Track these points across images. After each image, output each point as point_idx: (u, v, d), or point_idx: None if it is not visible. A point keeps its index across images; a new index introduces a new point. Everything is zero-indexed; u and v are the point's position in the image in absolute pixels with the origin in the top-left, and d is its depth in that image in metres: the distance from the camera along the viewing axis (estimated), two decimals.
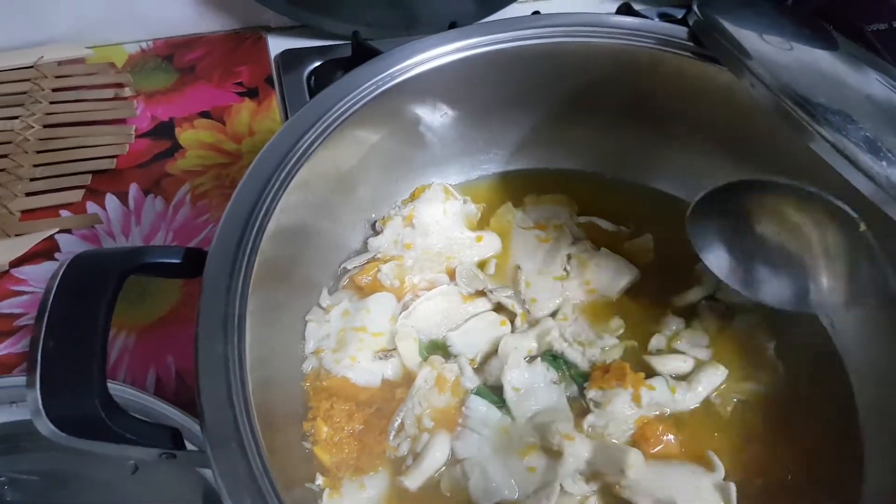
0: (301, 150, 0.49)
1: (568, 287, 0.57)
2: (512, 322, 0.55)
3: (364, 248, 0.59)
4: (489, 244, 0.59)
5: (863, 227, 0.47)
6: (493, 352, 0.53)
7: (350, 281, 0.57)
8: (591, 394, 0.50)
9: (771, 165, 0.57)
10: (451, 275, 0.58)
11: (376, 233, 0.60)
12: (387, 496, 0.48)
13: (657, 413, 0.51)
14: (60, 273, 0.41)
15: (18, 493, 0.54)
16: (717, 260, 0.51)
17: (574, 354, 0.53)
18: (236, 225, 0.44)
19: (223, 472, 0.36)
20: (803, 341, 0.56)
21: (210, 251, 0.43)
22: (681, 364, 0.53)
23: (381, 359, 0.53)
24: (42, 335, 0.39)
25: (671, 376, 0.53)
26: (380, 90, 0.52)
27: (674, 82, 0.55)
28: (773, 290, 0.50)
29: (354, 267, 0.58)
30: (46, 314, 0.39)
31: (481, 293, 0.56)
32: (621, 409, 0.50)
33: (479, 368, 0.53)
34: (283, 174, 0.47)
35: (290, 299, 0.53)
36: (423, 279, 0.57)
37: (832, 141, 0.43)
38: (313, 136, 0.49)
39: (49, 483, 0.55)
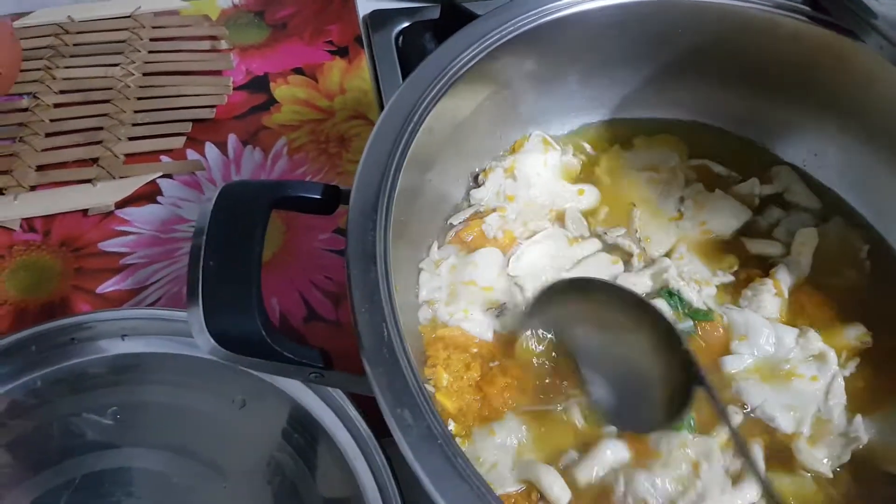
0: (427, 100, 0.50)
1: (683, 227, 0.59)
2: (627, 262, 0.56)
3: (467, 202, 0.61)
4: (591, 196, 0.61)
5: (684, 346, 0.47)
6: None
7: (456, 236, 0.58)
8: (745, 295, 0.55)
9: (874, 136, 0.59)
10: (553, 221, 0.59)
11: (478, 185, 0.61)
12: (519, 444, 0.49)
13: None
14: (214, 200, 0.43)
15: (128, 423, 0.56)
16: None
17: (690, 292, 0.54)
18: (376, 164, 0.45)
19: (384, 390, 0.37)
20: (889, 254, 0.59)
21: (354, 187, 0.44)
22: (772, 249, 0.57)
23: (495, 316, 0.54)
24: (202, 256, 0.41)
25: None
26: (499, 42, 0.53)
27: (788, 47, 0.56)
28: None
29: (460, 222, 0.59)
30: (204, 235, 0.41)
31: (588, 238, 0.58)
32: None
33: None
34: (413, 121, 0.48)
35: (406, 246, 0.54)
36: (526, 230, 0.58)
37: None
38: (438, 87, 0.51)
39: (157, 416, 0.57)
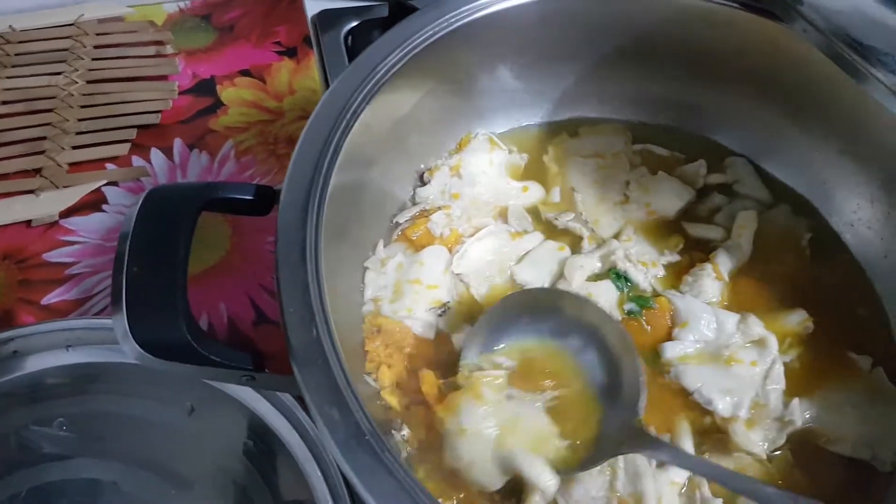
0: (361, 97, 0.50)
1: (629, 210, 0.60)
2: (578, 245, 0.57)
3: (413, 200, 0.61)
4: (535, 192, 0.61)
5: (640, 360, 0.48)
6: (561, 275, 0.55)
7: (402, 234, 0.58)
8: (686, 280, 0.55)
9: (809, 119, 0.59)
10: (496, 218, 0.60)
11: (424, 183, 0.61)
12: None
13: None
14: (140, 203, 0.42)
15: (76, 434, 0.56)
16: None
17: (637, 274, 0.55)
18: (307, 163, 0.45)
19: (310, 387, 0.37)
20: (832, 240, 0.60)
21: (285, 187, 0.44)
22: (712, 233, 0.58)
23: (438, 314, 0.54)
24: (125, 262, 0.40)
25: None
26: (436, 37, 0.54)
27: (724, 34, 0.56)
28: None
29: (405, 220, 0.59)
30: (128, 241, 0.41)
31: (531, 231, 0.58)
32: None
33: None
34: (347, 116, 0.48)
35: (348, 245, 0.54)
36: (470, 227, 0.58)
37: (887, 83, 0.44)
38: (371, 83, 0.51)
39: (104, 425, 0.56)
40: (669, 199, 0.59)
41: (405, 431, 0.48)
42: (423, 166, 0.62)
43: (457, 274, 0.56)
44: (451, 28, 0.55)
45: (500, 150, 0.63)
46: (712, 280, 0.55)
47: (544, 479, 0.45)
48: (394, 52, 0.53)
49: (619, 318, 0.54)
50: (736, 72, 0.59)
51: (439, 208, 0.59)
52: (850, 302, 0.56)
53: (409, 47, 0.53)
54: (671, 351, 0.52)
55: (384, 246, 0.57)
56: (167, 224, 0.42)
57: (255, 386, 0.42)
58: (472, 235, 0.58)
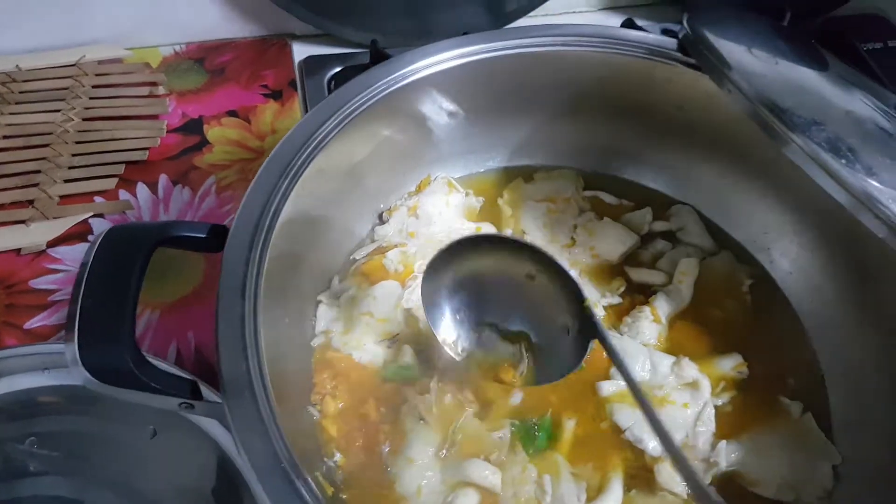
0: (317, 141, 0.53)
1: (574, 253, 0.63)
2: None
3: (372, 238, 0.64)
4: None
5: (587, 302, 0.49)
6: None
7: (358, 270, 0.61)
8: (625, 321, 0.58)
9: (748, 171, 0.62)
10: None
11: (383, 222, 0.64)
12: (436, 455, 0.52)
13: None
14: (99, 240, 0.46)
15: (44, 454, 0.59)
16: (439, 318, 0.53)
17: None
18: (256, 203, 0.49)
19: (235, 416, 0.40)
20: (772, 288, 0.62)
21: (233, 226, 0.48)
22: (654, 278, 0.60)
23: (388, 346, 0.57)
24: (81, 294, 0.44)
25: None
26: (391, 89, 0.57)
27: (663, 89, 0.59)
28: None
29: (362, 257, 0.62)
30: (85, 276, 0.44)
31: None
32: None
33: None
34: (300, 161, 0.52)
35: (303, 279, 0.57)
36: (423, 263, 0.61)
37: (799, 143, 0.46)
38: (328, 129, 0.54)
39: (73, 444, 0.59)
40: (613, 243, 0.62)
41: (337, 457, 0.51)
42: (382, 206, 0.65)
43: (407, 308, 0.59)
44: (412, 79, 0.58)
45: (457, 192, 0.66)
46: (650, 322, 0.57)
47: (489, 478, 0.48)
48: (354, 99, 0.56)
49: None
50: (678, 126, 0.62)
51: (395, 246, 0.62)
52: (785, 348, 0.58)
53: (371, 95, 0.57)
54: (607, 389, 0.55)
55: (339, 281, 0.60)
56: (122, 260, 0.45)
57: (192, 412, 0.44)
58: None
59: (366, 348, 0.56)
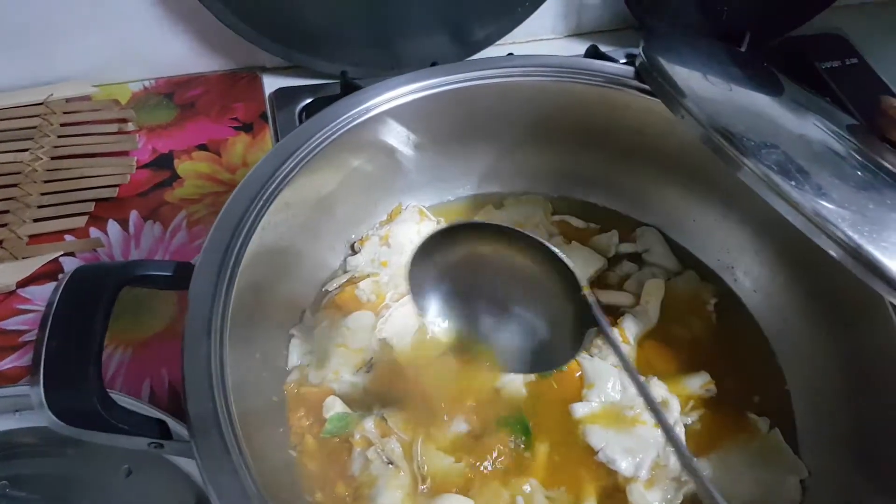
0: (284, 174, 0.54)
1: None
2: None
3: (344, 268, 0.64)
4: None
5: (585, 290, 0.50)
6: None
7: (330, 301, 0.61)
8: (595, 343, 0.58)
9: (709, 192, 0.64)
10: None
11: (355, 252, 0.65)
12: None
13: None
14: (64, 282, 0.46)
15: (19, 497, 0.58)
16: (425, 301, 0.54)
17: None
18: (222, 240, 0.49)
19: (203, 455, 0.40)
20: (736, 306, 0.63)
21: (197, 263, 0.48)
22: (621, 299, 0.61)
23: (365, 372, 0.57)
24: (46, 336, 0.44)
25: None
26: (359, 120, 0.58)
27: (622, 115, 0.61)
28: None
29: (335, 289, 0.62)
30: (50, 318, 0.44)
31: None
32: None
33: None
34: (266, 195, 0.52)
35: (275, 313, 0.57)
36: (396, 293, 0.61)
37: (751, 166, 0.48)
38: (296, 161, 0.55)
39: (48, 487, 0.59)
40: (581, 266, 0.62)
41: (318, 495, 0.51)
42: (353, 236, 0.66)
43: (381, 338, 0.59)
44: (378, 110, 0.59)
45: (428, 220, 0.66)
46: (619, 344, 0.58)
47: None
48: (321, 131, 0.57)
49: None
50: (639, 150, 0.63)
51: (368, 276, 0.62)
52: (751, 365, 0.59)
53: (338, 126, 0.58)
54: (580, 411, 0.55)
55: (311, 314, 0.60)
56: (87, 301, 0.45)
57: (162, 452, 0.44)
58: (397, 300, 0.61)
59: (343, 379, 0.56)
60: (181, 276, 0.49)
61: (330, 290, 0.62)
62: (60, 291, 0.45)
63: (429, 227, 0.66)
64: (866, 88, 0.88)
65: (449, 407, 0.55)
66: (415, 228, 0.66)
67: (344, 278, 0.63)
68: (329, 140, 0.57)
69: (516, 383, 0.56)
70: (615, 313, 0.61)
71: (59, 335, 0.44)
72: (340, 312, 0.61)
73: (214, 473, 0.39)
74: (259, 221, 0.51)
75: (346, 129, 0.57)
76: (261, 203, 0.52)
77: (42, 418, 0.42)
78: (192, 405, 0.41)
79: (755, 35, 0.89)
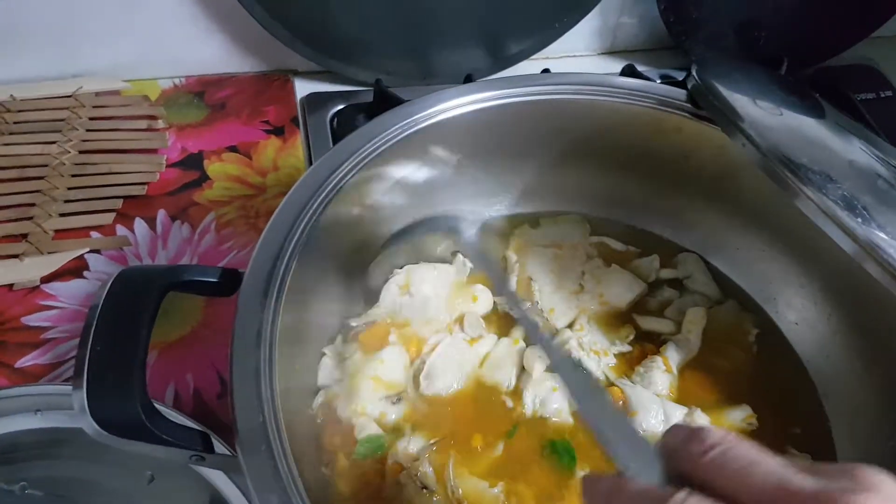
0: (331, 186, 0.53)
1: (583, 300, 0.62)
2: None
3: (368, 301, 0.61)
4: (484, 300, 0.62)
5: None
6: (522, 368, 0.58)
7: (357, 337, 0.58)
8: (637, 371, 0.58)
9: (754, 221, 0.63)
10: (450, 328, 0.61)
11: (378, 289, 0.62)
12: None
13: None
14: (109, 285, 0.45)
15: (38, 498, 0.57)
16: None
17: (590, 362, 0.57)
18: (271, 250, 0.48)
19: (252, 472, 0.39)
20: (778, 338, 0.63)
21: (247, 272, 0.47)
22: (662, 327, 0.61)
23: (393, 403, 0.56)
24: (91, 340, 0.42)
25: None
26: (404, 135, 0.57)
27: (671, 139, 0.60)
28: None
29: (359, 325, 0.59)
30: (95, 321, 0.43)
31: (485, 336, 0.60)
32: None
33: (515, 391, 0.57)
34: (315, 204, 0.51)
35: (312, 329, 0.56)
36: (427, 344, 0.59)
37: (814, 199, 0.47)
38: (342, 174, 0.54)
39: (66, 490, 0.57)
40: (622, 291, 0.62)
41: None
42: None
43: (428, 395, 0.56)
44: (427, 123, 0.58)
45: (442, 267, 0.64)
46: (662, 372, 0.57)
47: None
48: (372, 141, 0.56)
49: None
50: (685, 174, 0.63)
51: (395, 324, 0.59)
52: (792, 399, 0.58)
53: (384, 139, 0.57)
54: None
55: (343, 339, 0.58)
56: (132, 305, 0.44)
57: (203, 465, 0.43)
58: (430, 351, 0.58)
59: (372, 412, 0.55)
60: (227, 283, 0.48)
61: (353, 325, 0.59)
62: (105, 294, 0.44)
63: (445, 268, 0.64)
64: None
65: (483, 432, 0.54)
66: (433, 273, 0.63)
67: (368, 318, 0.60)
68: (379, 150, 0.56)
69: (563, 413, 0.55)
70: (656, 340, 0.60)
71: (104, 340, 0.42)
72: (371, 349, 0.58)
73: (265, 492, 0.38)
74: (307, 230, 0.50)
75: (396, 139, 0.57)
76: (310, 213, 0.51)
77: (84, 426, 0.41)
78: (242, 421, 0.40)
79: (791, 63, 0.89)
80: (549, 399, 0.55)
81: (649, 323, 0.61)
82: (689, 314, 0.60)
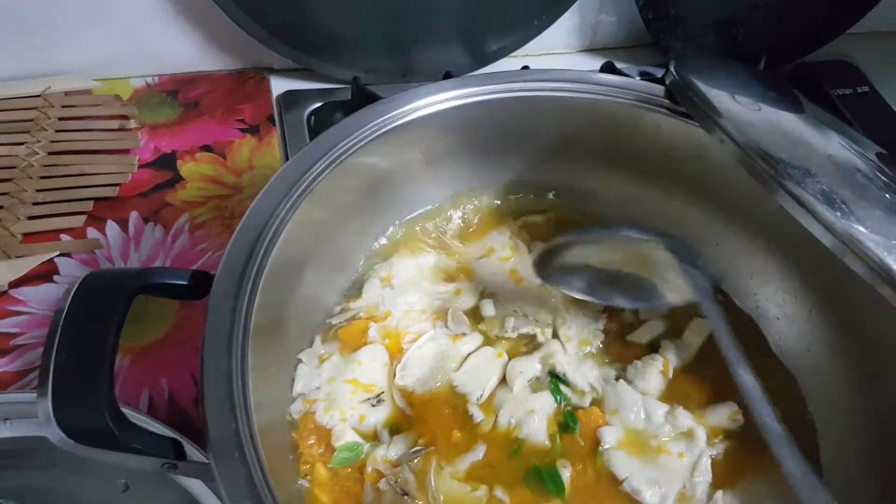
0: (305, 184, 0.52)
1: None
2: (515, 351, 0.59)
3: (350, 294, 0.61)
4: (469, 295, 0.62)
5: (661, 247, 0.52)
6: (501, 381, 0.56)
7: (337, 334, 0.58)
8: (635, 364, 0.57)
9: (734, 217, 0.62)
10: (434, 322, 0.60)
11: (359, 283, 0.61)
12: None
13: None
14: (74, 289, 0.43)
15: None
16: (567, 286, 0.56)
17: (575, 375, 0.56)
18: (242, 251, 0.46)
19: (225, 480, 0.37)
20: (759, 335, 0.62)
21: (217, 274, 0.45)
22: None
23: (373, 405, 0.54)
24: (55, 347, 0.41)
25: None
26: (381, 132, 0.56)
27: (650, 135, 0.60)
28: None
29: (341, 322, 0.59)
30: (60, 327, 0.42)
31: (469, 333, 0.59)
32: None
33: (487, 404, 0.55)
34: (288, 204, 0.50)
35: (287, 333, 0.54)
36: (409, 334, 0.58)
37: (793, 193, 0.47)
38: (317, 171, 0.52)
39: (38, 500, 0.56)
40: None
41: None
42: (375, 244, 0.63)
43: (401, 386, 0.56)
44: (401, 121, 0.57)
45: (425, 252, 0.63)
46: (658, 373, 0.57)
47: None
48: (348, 138, 0.55)
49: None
50: (664, 171, 0.62)
51: (375, 318, 0.59)
52: (774, 395, 0.58)
53: (360, 137, 0.56)
54: (608, 436, 0.54)
55: (322, 342, 0.57)
56: (98, 309, 0.43)
57: (176, 473, 0.42)
58: (412, 341, 0.58)
59: (353, 417, 0.53)
60: (197, 285, 0.47)
61: (334, 323, 0.58)
62: (71, 299, 0.43)
63: (426, 258, 0.63)
64: (878, 116, 0.89)
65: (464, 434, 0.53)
66: (413, 262, 0.62)
67: (348, 315, 0.59)
68: (355, 147, 0.54)
69: (540, 435, 0.54)
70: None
71: (70, 346, 0.41)
72: (350, 347, 0.57)
73: (238, 500, 0.37)
74: (281, 232, 0.49)
75: (372, 136, 0.55)
76: (283, 212, 0.49)
77: (49, 434, 0.40)
78: (214, 427, 0.39)
79: (769, 59, 0.89)
80: (525, 421, 0.54)
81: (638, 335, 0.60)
82: (693, 325, 0.60)
